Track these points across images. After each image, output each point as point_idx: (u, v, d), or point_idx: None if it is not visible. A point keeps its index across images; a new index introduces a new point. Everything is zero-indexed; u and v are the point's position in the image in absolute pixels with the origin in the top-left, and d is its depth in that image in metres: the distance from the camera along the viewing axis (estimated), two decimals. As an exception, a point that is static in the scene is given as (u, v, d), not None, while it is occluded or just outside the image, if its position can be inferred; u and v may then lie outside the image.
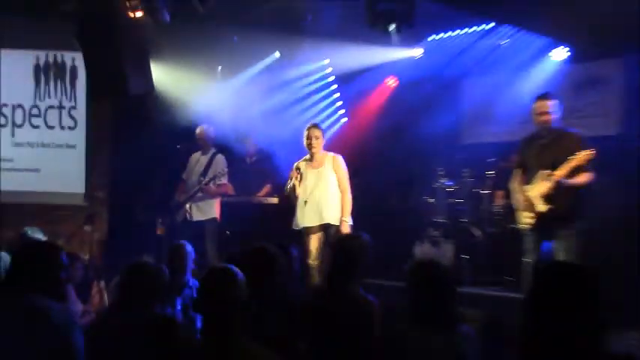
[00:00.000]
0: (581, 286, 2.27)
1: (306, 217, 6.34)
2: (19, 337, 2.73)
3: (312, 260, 6.29)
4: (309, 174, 6.41)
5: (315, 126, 6.49)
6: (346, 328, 3.52)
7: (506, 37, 8.09)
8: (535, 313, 2.31)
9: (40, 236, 6.25)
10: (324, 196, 6.32)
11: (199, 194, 7.58)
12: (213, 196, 7.65)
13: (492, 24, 8.02)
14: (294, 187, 6.40)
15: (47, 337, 2.77)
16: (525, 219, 5.53)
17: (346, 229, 6.22)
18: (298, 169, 6.41)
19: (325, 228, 6.32)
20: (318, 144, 6.38)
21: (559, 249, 5.33)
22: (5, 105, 8.54)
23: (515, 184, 5.74)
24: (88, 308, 5.27)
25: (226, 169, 7.65)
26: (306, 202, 6.32)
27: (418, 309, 3.17)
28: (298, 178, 6.37)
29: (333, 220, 6.27)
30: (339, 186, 6.37)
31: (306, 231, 6.37)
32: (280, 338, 3.38)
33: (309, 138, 6.37)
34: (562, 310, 2.24)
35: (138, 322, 3.21)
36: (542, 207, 5.35)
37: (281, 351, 3.11)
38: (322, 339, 3.54)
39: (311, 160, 6.44)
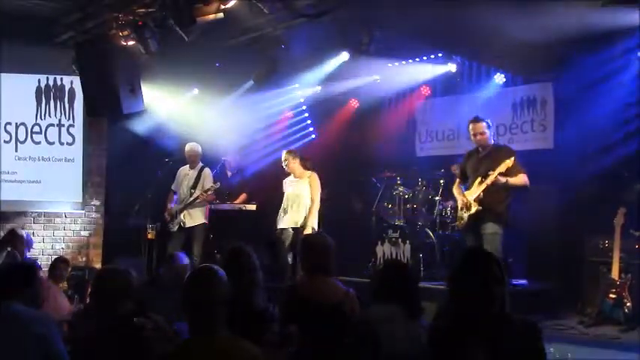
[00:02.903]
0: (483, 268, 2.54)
1: (283, 221, 6.98)
2: (10, 340, 2.59)
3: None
4: (289, 186, 7.06)
5: (286, 151, 7.20)
6: (324, 316, 3.45)
7: (454, 64, 8.12)
8: (456, 290, 2.57)
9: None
10: (298, 204, 6.95)
11: (197, 201, 7.49)
12: (206, 202, 7.57)
13: (441, 54, 8.07)
14: None
15: (29, 344, 2.63)
16: (461, 219, 5.69)
17: (309, 231, 6.73)
18: None
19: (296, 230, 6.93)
20: (288, 165, 7.05)
21: (485, 246, 5.44)
22: (9, 123, 8.35)
23: (455, 189, 5.98)
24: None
25: (217, 184, 7.58)
26: (285, 209, 6.95)
27: (387, 300, 3.12)
28: None
29: (302, 224, 6.86)
30: (311, 197, 6.94)
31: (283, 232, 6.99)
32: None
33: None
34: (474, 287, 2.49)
35: (108, 324, 3.05)
36: (474, 208, 5.54)
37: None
38: (302, 328, 3.45)
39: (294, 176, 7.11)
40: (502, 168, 5.39)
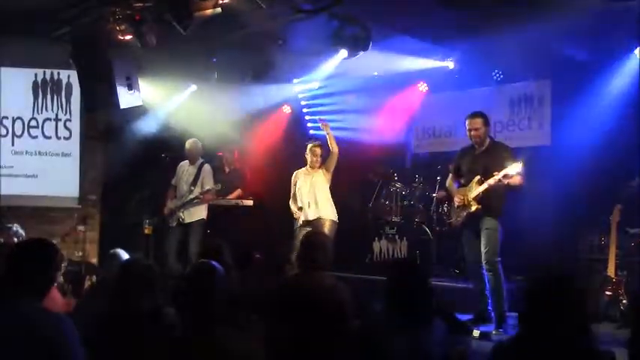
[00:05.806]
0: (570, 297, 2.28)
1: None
2: (15, 344, 2.49)
3: None
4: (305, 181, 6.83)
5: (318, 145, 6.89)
6: (319, 310, 3.43)
7: (452, 61, 8.09)
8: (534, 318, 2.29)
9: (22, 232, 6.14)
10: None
11: (195, 201, 7.45)
12: (207, 201, 7.54)
13: (438, 50, 8.03)
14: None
15: (43, 344, 2.50)
16: (458, 217, 5.64)
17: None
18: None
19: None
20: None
21: (483, 242, 5.42)
22: (6, 117, 8.34)
23: (449, 185, 5.90)
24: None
25: (218, 185, 7.54)
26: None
27: (396, 305, 2.96)
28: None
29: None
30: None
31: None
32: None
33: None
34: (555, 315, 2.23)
35: (131, 315, 2.99)
36: (474, 207, 5.46)
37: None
38: (297, 322, 3.43)
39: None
40: (510, 170, 5.32)
